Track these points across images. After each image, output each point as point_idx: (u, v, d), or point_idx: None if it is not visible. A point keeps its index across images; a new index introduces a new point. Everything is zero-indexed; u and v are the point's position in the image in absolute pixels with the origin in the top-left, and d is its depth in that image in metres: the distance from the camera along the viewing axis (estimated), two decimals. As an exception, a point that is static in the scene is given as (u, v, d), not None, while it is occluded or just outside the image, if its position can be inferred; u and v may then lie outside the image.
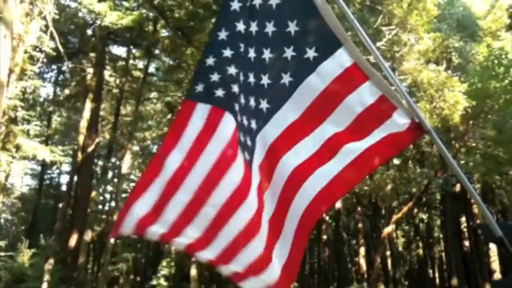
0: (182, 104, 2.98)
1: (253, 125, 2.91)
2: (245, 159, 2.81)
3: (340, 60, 2.81)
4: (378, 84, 2.78)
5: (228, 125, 2.79)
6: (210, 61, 2.87)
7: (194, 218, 2.69)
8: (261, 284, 2.76)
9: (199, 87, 2.84)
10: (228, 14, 2.96)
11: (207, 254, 2.69)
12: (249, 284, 2.74)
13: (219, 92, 2.83)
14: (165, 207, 2.66)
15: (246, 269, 2.73)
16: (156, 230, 2.62)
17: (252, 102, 2.94)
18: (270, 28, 2.92)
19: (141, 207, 2.61)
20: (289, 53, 2.89)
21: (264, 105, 2.93)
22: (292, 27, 2.88)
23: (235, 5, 2.91)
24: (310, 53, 2.86)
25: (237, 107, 2.84)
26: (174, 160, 2.72)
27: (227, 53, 2.88)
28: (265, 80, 2.94)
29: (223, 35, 2.89)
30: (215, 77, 2.84)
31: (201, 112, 2.80)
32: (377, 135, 2.73)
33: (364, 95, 2.77)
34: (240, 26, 2.89)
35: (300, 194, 2.84)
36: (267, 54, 2.93)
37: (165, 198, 2.67)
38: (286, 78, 2.90)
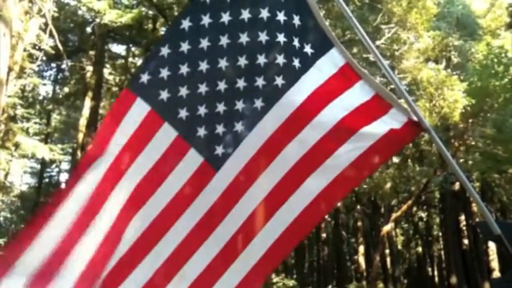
0: (122, 93, 2.81)
1: (238, 127, 2.83)
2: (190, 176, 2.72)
3: (334, 59, 2.80)
4: (371, 84, 2.78)
5: (163, 139, 2.69)
6: (164, 52, 2.75)
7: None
8: None
9: (144, 78, 2.69)
10: (195, 6, 2.85)
11: None
12: None
13: (163, 95, 2.71)
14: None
15: None
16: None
17: (240, 104, 2.83)
18: (281, 17, 2.83)
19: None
20: (296, 43, 2.84)
21: (258, 104, 2.84)
22: (296, 21, 2.85)
23: None
24: (308, 49, 2.85)
25: (183, 114, 2.73)
26: (92, 177, 2.52)
27: (184, 47, 2.75)
28: (261, 59, 2.83)
29: (185, 25, 2.76)
30: (164, 73, 2.73)
31: (138, 111, 2.66)
32: (375, 132, 2.73)
33: (360, 92, 2.76)
34: (206, 20, 2.77)
35: (295, 197, 2.80)
36: (263, 37, 2.83)
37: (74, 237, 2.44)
38: (296, 62, 2.84)
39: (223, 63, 2.80)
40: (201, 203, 2.76)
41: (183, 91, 2.75)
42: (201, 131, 2.77)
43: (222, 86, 2.81)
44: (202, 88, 2.78)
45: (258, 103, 2.84)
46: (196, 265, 2.74)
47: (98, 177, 2.54)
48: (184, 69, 2.75)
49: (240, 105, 2.83)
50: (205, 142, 2.78)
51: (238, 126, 2.83)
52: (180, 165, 2.73)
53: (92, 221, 2.51)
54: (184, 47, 2.76)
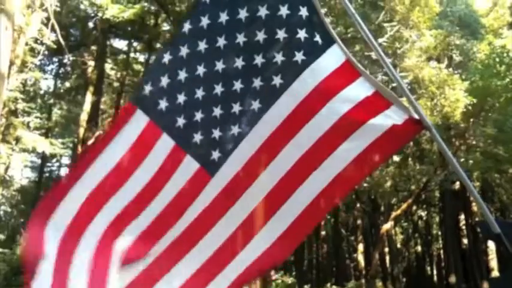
0: (125, 105, 2.89)
1: (235, 130, 2.83)
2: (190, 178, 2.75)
3: (334, 56, 2.79)
4: (370, 81, 2.77)
5: (161, 150, 2.74)
6: (166, 59, 2.79)
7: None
8: None
9: (146, 90, 2.75)
10: (197, 6, 2.88)
11: None
12: None
13: (162, 104, 2.76)
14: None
15: None
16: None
17: (230, 108, 2.84)
18: (262, 11, 2.81)
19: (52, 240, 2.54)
20: (302, 34, 2.80)
21: (255, 105, 2.83)
22: (303, 12, 2.83)
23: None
24: (318, 38, 2.82)
25: (180, 122, 2.77)
26: (93, 177, 2.63)
27: (183, 51, 2.79)
28: (258, 59, 2.83)
29: (186, 28, 2.80)
30: (164, 81, 2.76)
31: (137, 123, 2.72)
32: (377, 127, 2.72)
33: (360, 89, 2.75)
34: (204, 21, 2.79)
35: (296, 195, 2.80)
36: (260, 35, 2.81)
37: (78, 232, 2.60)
38: (299, 56, 2.81)
39: (220, 65, 2.81)
40: (196, 208, 2.77)
41: (181, 98, 2.78)
42: (197, 137, 2.80)
43: (218, 89, 2.82)
44: (199, 93, 2.80)
45: (255, 105, 2.82)
46: (186, 268, 2.77)
47: (92, 186, 2.63)
48: (182, 74, 2.79)
49: (236, 107, 2.83)
50: (201, 148, 2.81)
51: (235, 129, 2.83)
52: (177, 173, 2.76)
53: (85, 229, 2.61)
54: (184, 51, 2.79)
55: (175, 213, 2.75)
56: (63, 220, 2.58)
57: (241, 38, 2.81)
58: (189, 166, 2.78)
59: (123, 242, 2.68)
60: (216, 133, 2.82)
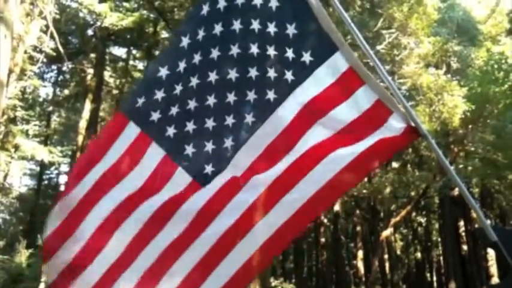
0: (115, 116, 2.95)
1: (229, 142, 2.82)
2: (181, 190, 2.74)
3: (336, 65, 2.79)
4: (374, 88, 2.76)
5: (151, 158, 2.76)
6: (163, 72, 2.81)
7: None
8: None
9: (140, 102, 2.78)
10: (193, 20, 2.92)
11: None
12: None
13: (154, 116, 2.78)
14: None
15: None
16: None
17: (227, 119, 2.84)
18: (271, 28, 2.85)
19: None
20: (289, 54, 2.84)
21: (249, 118, 2.84)
22: (291, 30, 2.84)
23: (204, 10, 2.84)
24: (307, 57, 2.83)
25: (170, 132, 2.77)
26: (86, 184, 2.70)
27: (181, 66, 2.81)
28: (252, 72, 2.84)
29: (185, 42, 2.82)
30: (160, 94, 2.79)
31: (128, 133, 2.77)
32: (372, 140, 2.72)
33: (360, 100, 2.74)
34: (200, 33, 2.82)
35: (283, 202, 2.75)
36: (254, 49, 2.85)
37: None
38: (288, 75, 2.84)
39: (213, 76, 2.82)
40: (184, 214, 2.75)
41: (174, 110, 2.80)
42: (189, 149, 2.80)
43: (211, 100, 2.83)
44: (192, 104, 2.81)
45: (249, 118, 2.83)
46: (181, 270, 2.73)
47: (83, 192, 2.70)
48: (178, 88, 2.81)
49: (230, 120, 2.83)
50: (193, 160, 2.80)
51: (228, 142, 2.82)
52: (168, 184, 2.76)
53: (75, 230, 2.68)
54: (181, 65, 2.81)
55: (163, 219, 2.73)
56: (54, 224, 2.68)
57: (235, 50, 2.82)
58: (182, 179, 2.77)
59: (113, 248, 2.70)
60: (209, 146, 2.82)
